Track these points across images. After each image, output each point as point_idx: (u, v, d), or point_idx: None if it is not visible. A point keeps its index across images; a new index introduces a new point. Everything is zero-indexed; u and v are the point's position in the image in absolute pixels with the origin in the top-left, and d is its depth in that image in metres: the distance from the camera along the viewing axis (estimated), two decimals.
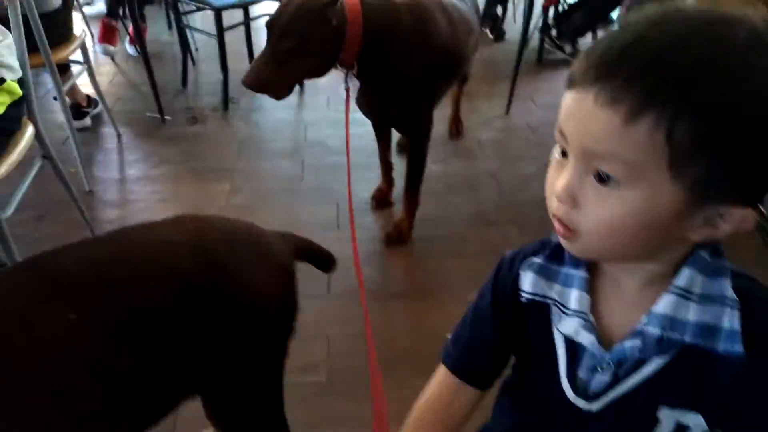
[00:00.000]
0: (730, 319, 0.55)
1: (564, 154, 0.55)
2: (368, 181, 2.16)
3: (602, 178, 0.51)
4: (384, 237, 1.97)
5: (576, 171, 0.53)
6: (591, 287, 0.61)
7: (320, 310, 1.65)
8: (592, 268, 0.62)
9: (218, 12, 2.66)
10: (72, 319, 0.78)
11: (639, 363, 0.58)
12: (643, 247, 0.55)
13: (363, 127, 2.03)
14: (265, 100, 2.97)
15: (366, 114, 1.90)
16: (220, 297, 0.88)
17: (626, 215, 0.52)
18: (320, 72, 1.66)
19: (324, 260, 1.15)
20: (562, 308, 0.62)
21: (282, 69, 1.57)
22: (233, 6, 2.77)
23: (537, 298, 0.64)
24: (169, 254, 0.88)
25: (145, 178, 2.31)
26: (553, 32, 3.40)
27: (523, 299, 0.65)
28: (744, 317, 0.55)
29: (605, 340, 0.60)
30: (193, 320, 0.85)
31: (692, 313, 0.56)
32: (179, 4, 3.02)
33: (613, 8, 3.16)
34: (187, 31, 3.12)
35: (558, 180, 0.54)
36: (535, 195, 2.33)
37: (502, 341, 0.69)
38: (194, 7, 3.02)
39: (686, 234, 0.53)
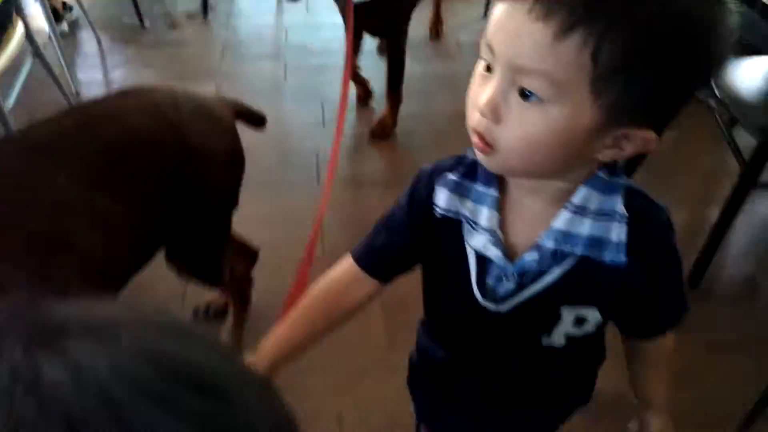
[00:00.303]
0: (618, 233, 0.60)
1: (489, 69, 0.55)
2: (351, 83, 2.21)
3: (526, 95, 0.52)
4: (368, 132, 2.05)
5: (500, 86, 0.53)
6: (500, 205, 0.64)
7: (310, 197, 1.75)
8: (501, 186, 0.64)
9: None
10: (61, 182, 0.89)
11: (541, 272, 0.63)
12: (555, 164, 0.57)
13: (341, 31, 2.07)
14: (244, 6, 2.97)
15: (345, 17, 1.92)
16: (173, 151, 0.99)
17: (546, 132, 0.53)
18: None
19: (257, 118, 1.30)
20: (472, 225, 0.65)
21: None
22: None
23: (450, 215, 0.66)
24: (125, 118, 0.99)
25: (130, 80, 2.33)
26: None
27: (437, 214, 0.66)
28: (630, 230, 0.60)
29: (511, 253, 0.64)
30: (154, 174, 0.98)
31: (585, 228, 0.60)
32: None
33: None
34: None
35: (481, 94, 0.55)
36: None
37: (412, 248, 0.71)
38: None
39: (595, 154, 0.56)
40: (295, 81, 2.33)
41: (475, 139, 0.57)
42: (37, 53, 1.71)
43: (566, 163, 0.57)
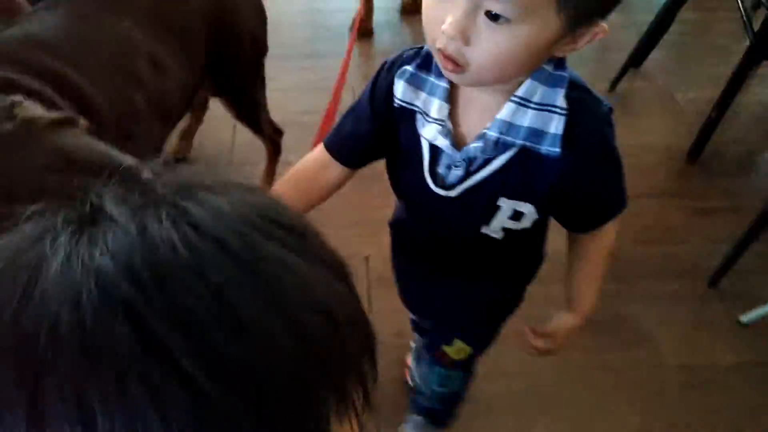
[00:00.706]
0: (556, 125, 0.62)
1: None
2: None
3: (494, 17, 0.54)
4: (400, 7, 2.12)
5: (466, 8, 0.54)
6: (451, 97, 0.66)
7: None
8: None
9: None
10: (127, 25, 1.03)
11: (488, 161, 0.67)
12: (524, 71, 0.61)
13: None
14: None
15: None
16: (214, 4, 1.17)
17: (516, 48, 0.56)
18: None
19: None
20: (425, 116, 0.68)
21: None
22: None
23: (405, 105, 0.69)
24: None
25: None
26: None
27: (395, 104, 0.70)
28: (568, 123, 0.62)
29: (460, 143, 0.67)
30: (199, 21, 1.15)
31: (527, 119, 0.63)
32: None
33: None
34: None
35: (447, 17, 0.56)
36: None
37: (375, 136, 0.74)
38: None
39: (554, 53, 0.60)
40: None
41: (442, 60, 0.59)
42: None
43: (532, 68, 0.61)
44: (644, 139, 1.75)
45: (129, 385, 0.25)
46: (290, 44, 2.00)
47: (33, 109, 0.78)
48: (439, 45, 0.57)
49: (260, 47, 1.31)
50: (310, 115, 1.60)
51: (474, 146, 0.65)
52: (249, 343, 0.27)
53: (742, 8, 1.54)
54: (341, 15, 2.16)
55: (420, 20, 0.61)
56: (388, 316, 1.13)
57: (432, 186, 0.70)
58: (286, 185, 0.80)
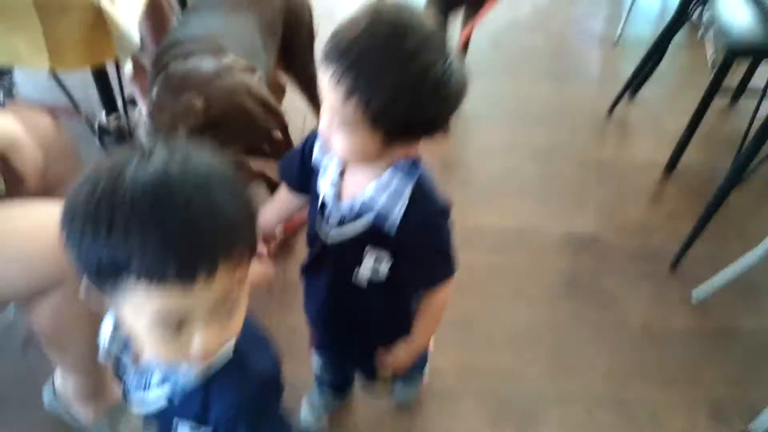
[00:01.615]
0: (398, 212, 0.81)
1: None
2: None
3: (338, 126, 0.75)
4: None
5: (327, 117, 0.76)
6: (344, 164, 0.86)
7: None
8: None
9: None
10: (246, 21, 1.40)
11: (356, 218, 0.85)
12: (366, 161, 0.80)
13: None
14: None
15: None
16: (287, 7, 1.53)
17: (353, 146, 0.76)
18: None
19: None
20: (323, 169, 0.89)
21: None
22: None
23: (317, 161, 0.90)
24: None
25: None
26: None
27: (314, 159, 0.91)
28: (405, 212, 0.81)
29: (341, 196, 0.87)
30: (282, 27, 1.51)
31: (383, 199, 0.82)
32: None
33: None
34: None
35: (322, 118, 0.77)
36: (560, 16, 2.86)
37: (302, 173, 0.95)
38: None
39: (391, 155, 0.79)
40: None
41: (321, 139, 0.82)
42: None
43: (373, 160, 0.80)
44: (632, 154, 2.11)
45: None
46: None
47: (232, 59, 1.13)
48: (320, 128, 0.80)
49: (312, 36, 1.68)
50: None
51: (345, 204, 0.86)
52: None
53: (709, 61, 1.90)
54: None
55: None
56: None
57: (322, 226, 0.90)
58: (269, 206, 1.05)
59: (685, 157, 2.00)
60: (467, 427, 1.38)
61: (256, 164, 1.22)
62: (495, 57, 2.45)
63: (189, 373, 0.68)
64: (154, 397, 0.72)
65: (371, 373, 1.13)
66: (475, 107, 2.12)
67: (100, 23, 1.07)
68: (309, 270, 1.00)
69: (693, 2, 1.91)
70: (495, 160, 2.05)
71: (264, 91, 1.15)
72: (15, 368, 1.41)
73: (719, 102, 2.24)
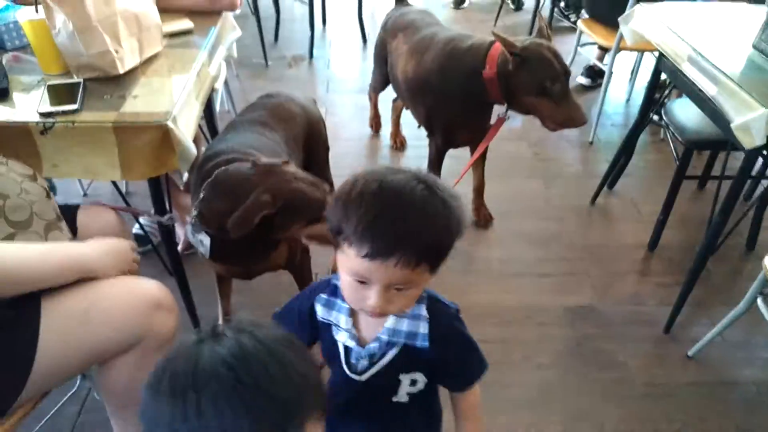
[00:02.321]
0: (423, 327, 0.89)
1: (362, 282, 0.79)
2: None
3: (399, 289, 0.79)
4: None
5: (382, 291, 0.78)
6: (353, 311, 0.91)
7: None
8: None
9: None
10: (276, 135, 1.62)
11: (384, 354, 0.91)
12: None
13: None
14: (336, 51, 3.79)
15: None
16: (306, 121, 1.76)
17: (413, 297, 0.83)
18: None
19: None
20: (337, 326, 0.93)
21: None
22: None
23: (324, 320, 0.94)
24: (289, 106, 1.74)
25: None
26: (562, 4, 4.11)
27: (318, 319, 0.95)
28: (430, 326, 0.89)
29: (363, 342, 0.91)
30: (302, 131, 1.73)
31: (405, 326, 0.89)
32: None
33: None
34: None
35: (369, 298, 0.79)
36: (540, 127, 3.13)
37: (302, 332, 0.97)
38: None
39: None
40: (381, 108, 3.10)
41: (370, 315, 0.84)
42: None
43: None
44: (616, 237, 2.32)
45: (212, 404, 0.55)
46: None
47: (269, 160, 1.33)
48: (370, 308, 0.81)
49: (327, 148, 1.90)
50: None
51: (372, 345, 0.91)
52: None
53: (674, 152, 2.16)
54: None
55: None
56: None
57: (348, 373, 0.94)
58: None
59: (664, 237, 2.20)
60: None
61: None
62: (486, 165, 2.73)
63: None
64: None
65: None
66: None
67: (167, 140, 1.31)
68: (340, 415, 1.01)
69: (652, 108, 2.20)
70: (496, 248, 2.25)
71: (304, 173, 1.36)
72: None
73: (690, 187, 2.50)
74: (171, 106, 1.36)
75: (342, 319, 0.92)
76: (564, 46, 3.71)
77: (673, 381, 1.73)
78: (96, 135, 1.30)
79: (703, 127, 1.92)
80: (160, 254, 1.84)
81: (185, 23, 1.75)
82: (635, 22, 2.00)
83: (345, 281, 0.82)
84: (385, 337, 0.90)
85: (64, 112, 1.31)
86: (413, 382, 0.95)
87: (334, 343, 0.94)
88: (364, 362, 0.92)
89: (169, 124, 1.31)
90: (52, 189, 1.49)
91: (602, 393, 1.69)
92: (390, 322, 0.89)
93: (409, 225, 0.75)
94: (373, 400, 0.98)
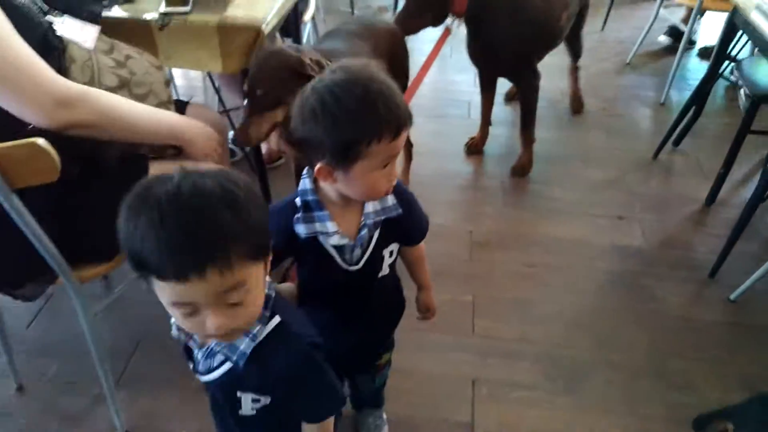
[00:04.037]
0: (391, 199, 0.97)
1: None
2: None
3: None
4: (510, 171, 2.41)
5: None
6: (332, 216, 0.95)
7: (460, 125, 2.60)
8: (328, 206, 0.95)
9: None
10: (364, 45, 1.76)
11: (370, 238, 0.99)
12: None
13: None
14: None
15: (475, 61, 2.30)
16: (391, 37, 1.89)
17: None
18: (438, 22, 2.15)
19: None
20: (325, 234, 0.95)
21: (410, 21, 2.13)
22: None
23: (309, 235, 0.95)
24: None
25: None
26: None
27: (300, 238, 0.95)
28: (395, 194, 0.96)
29: (350, 236, 0.97)
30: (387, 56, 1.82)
31: (379, 205, 0.97)
32: None
33: None
34: None
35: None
36: (614, 84, 3.16)
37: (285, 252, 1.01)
38: None
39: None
40: (457, 57, 3.19)
41: (387, 193, 0.95)
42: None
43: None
44: (674, 190, 2.34)
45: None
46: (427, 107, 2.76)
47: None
48: (385, 192, 0.93)
49: (407, 67, 2.01)
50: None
51: (362, 234, 0.97)
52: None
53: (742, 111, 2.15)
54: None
55: None
56: (482, 264, 1.82)
57: (347, 267, 1.00)
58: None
59: (725, 193, 2.21)
60: (524, 378, 1.59)
61: None
62: (554, 115, 2.78)
63: (242, 348, 0.77)
64: (219, 374, 0.82)
65: (371, 361, 1.29)
66: (542, 149, 2.44)
67: (259, 40, 1.49)
68: (328, 307, 1.08)
69: (725, 63, 2.19)
70: (554, 187, 2.33)
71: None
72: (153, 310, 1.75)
73: (759, 145, 2.45)
74: (266, 14, 1.53)
75: (329, 226, 0.95)
76: (643, 11, 3.67)
77: (709, 319, 1.78)
78: (203, 32, 1.49)
79: None
80: (249, 158, 2.04)
81: None
82: None
83: (365, 184, 0.89)
84: (370, 221, 0.97)
85: (178, 13, 1.50)
86: (390, 254, 1.06)
87: (323, 251, 0.98)
88: (357, 252, 1.00)
89: (263, 27, 1.48)
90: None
91: (636, 321, 1.77)
92: (369, 207, 0.97)
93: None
94: (363, 284, 1.06)
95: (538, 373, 1.60)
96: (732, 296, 1.83)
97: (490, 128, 2.53)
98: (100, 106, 1.13)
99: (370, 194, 0.93)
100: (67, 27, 1.19)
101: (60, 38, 1.16)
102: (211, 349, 0.82)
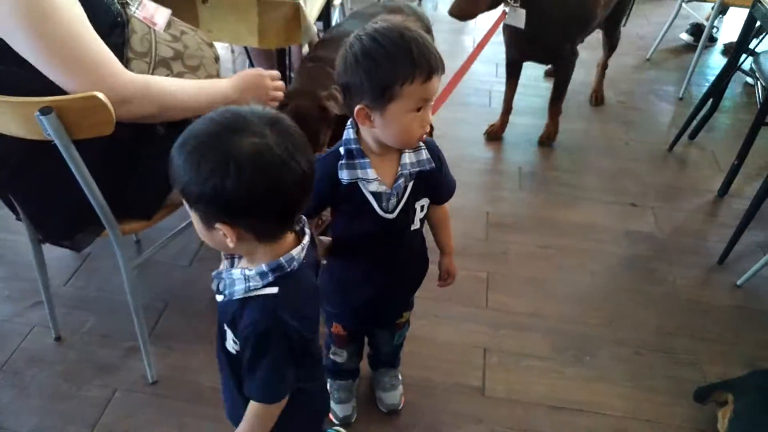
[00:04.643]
0: (425, 153, 1.05)
1: (419, 109, 0.94)
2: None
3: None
4: (538, 140, 2.56)
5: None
6: (372, 165, 1.02)
7: (481, 113, 2.66)
8: (368, 154, 1.02)
9: None
10: None
11: (405, 189, 1.05)
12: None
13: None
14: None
15: (511, 47, 2.38)
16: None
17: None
18: (495, 5, 2.18)
19: None
20: (365, 180, 1.02)
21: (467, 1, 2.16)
22: None
23: (351, 180, 1.02)
24: None
25: None
26: None
27: (343, 183, 1.02)
28: (429, 152, 1.06)
29: (388, 184, 1.03)
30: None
31: (414, 157, 1.04)
32: None
33: None
34: None
35: (424, 120, 0.96)
36: (634, 79, 3.20)
37: (327, 199, 1.07)
38: None
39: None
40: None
41: (424, 134, 1.01)
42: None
43: None
44: (688, 181, 2.38)
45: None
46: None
47: None
48: (422, 132, 0.99)
49: None
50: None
51: (398, 183, 1.05)
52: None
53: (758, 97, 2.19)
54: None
55: None
56: (498, 244, 1.92)
57: (383, 214, 1.06)
58: None
59: (738, 186, 2.26)
60: (534, 349, 1.66)
61: None
62: (574, 106, 2.84)
63: (237, 289, 0.82)
64: (220, 299, 0.86)
65: (392, 319, 1.36)
66: (560, 138, 2.52)
67: (296, 17, 1.57)
68: (359, 257, 1.16)
69: (742, 56, 2.23)
70: (571, 174, 2.39)
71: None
72: (180, 273, 1.85)
73: None
74: None
75: (369, 173, 1.02)
76: (664, 8, 3.70)
77: (717, 302, 1.83)
78: (242, 6, 1.58)
79: None
80: None
81: None
82: None
83: (400, 126, 0.95)
84: (407, 171, 1.05)
85: None
86: (422, 208, 1.12)
87: (363, 197, 1.05)
88: (393, 200, 1.06)
89: (300, 2, 1.56)
90: None
91: (645, 302, 1.82)
92: (405, 158, 1.04)
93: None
94: (395, 234, 1.12)
95: (548, 346, 1.67)
96: (739, 282, 1.88)
97: (511, 117, 2.60)
98: (159, 98, 1.20)
99: (405, 138, 0.99)
100: (144, 10, 1.28)
101: (126, 14, 1.24)
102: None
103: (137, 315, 1.46)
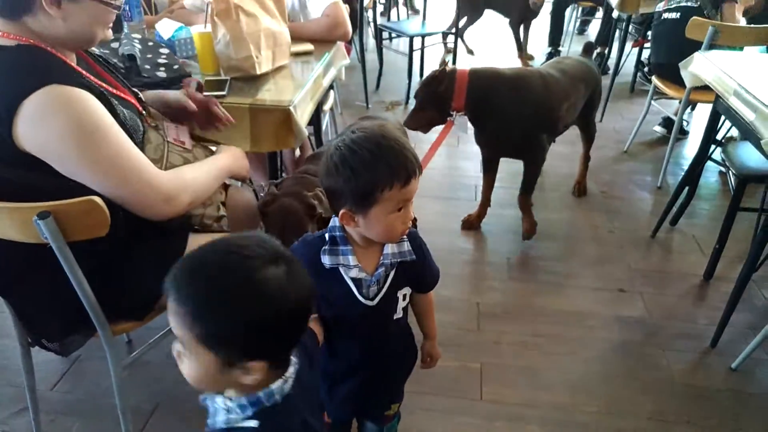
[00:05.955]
0: (407, 245, 1.08)
1: (399, 209, 0.98)
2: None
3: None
4: (523, 233, 2.56)
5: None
6: (353, 252, 1.05)
7: (468, 205, 2.72)
8: (352, 243, 1.05)
9: (411, 38, 3.88)
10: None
11: (386, 278, 1.07)
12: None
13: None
14: None
15: (482, 147, 2.49)
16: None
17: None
18: (443, 119, 2.33)
19: None
20: (346, 267, 1.05)
21: (417, 117, 2.36)
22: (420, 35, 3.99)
23: (333, 266, 1.05)
24: None
25: None
26: (646, 69, 4.27)
27: (326, 268, 1.05)
28: (409, 242, 1.09)
29: (369, 272, 1.06)
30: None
31: (396, 248, 1.07)
32: (382, 32, 4.30)
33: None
34: (384, 51, 4.37)
35: (406, 218, 1.00)
36: (613, 170, 3.31)
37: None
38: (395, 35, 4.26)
39: None
40: (463, 147, 3.38)
41: (404, 231, 1.05)
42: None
43: None
44: (673, 266, 2.41)
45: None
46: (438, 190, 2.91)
47: None
48: (402, 229, 1.02)
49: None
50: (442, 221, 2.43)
51: (378, 272, 1.07)
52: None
53: (732, 190, 2.27)
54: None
55: None
56: (490, 334, 1.90)
57: (363, 300, 1.08)
58: None
59: (723, 269, 2.29)
60: None
61: None
62: (558, 197, 2.92)
63: (219, 419, 0.80)
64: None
65: (380, 410, 1.32)
66: (546, 228, 2.56)
67: (287, 123, 1.65)
68: (350, 348, 1.16)
69: (712, 147, 2.33)
70: (558, 263, 2.42)
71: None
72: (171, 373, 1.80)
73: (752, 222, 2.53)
74: (293, 97, 1.70)
75: (350, 259, 1.06)
76: (642, 106, 3.89)
77: (713, 386, 1.80)
78: (236, 113, 1.65)
79: (757, 164, 2.04)
80: None
81: (307, 46, 2.15)
82: (693, 65, 2.20)
83: (383, 225, 0.99)
84: (387, 261, 1.07)
85: (216, 96, 1.68)
86: (404, 297, 1.14)
87: (343, 283, 1.07)
88: (373, 288, 1.08)
89: (291, 108, 1.65)
90: None
91: (642, 388, 1.79)
92: (387, 249, 1.07)
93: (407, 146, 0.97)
94: (379, 322, 1.13)
95: None
96: (733, 365, 1.86)
97: (498, 209, 2.66)
98: (192, 189, 1.28)
99: (388, 235, 1.02)
100: (170, 132, 1.40)
101: (144, 126, 1.32)
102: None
103: (125, 418, 1.42)
